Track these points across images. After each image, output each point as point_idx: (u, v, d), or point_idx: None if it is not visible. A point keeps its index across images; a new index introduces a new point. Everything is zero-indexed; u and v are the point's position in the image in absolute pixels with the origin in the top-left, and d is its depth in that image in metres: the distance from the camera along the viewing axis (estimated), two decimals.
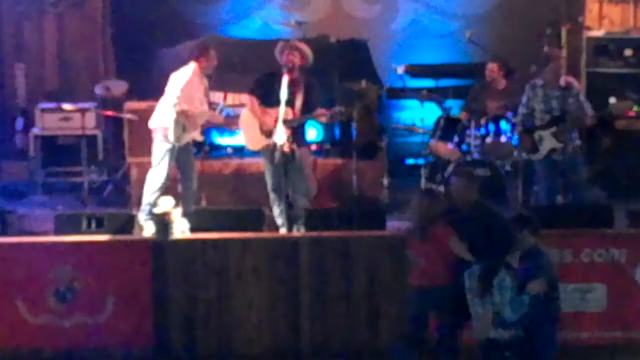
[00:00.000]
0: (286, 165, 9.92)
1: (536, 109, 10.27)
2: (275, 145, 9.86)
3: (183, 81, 10.21)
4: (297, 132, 10.02)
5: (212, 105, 10.76)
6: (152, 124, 10.39)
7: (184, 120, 10.18)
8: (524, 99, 10.36)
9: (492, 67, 11.24)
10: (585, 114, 10.15)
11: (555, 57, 11.15)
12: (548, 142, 10.16)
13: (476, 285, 7.06)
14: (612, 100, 10.49)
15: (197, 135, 10.48)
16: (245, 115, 10.34)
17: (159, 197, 10.05)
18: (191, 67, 10.33)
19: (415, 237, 7.98)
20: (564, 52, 12.47)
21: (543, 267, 7.30)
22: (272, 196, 10.14)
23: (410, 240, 8.05)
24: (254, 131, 10.18)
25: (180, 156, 10.40)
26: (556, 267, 7.82)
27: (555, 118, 10.16)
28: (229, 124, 11.02)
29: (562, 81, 10.21)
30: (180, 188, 10.45)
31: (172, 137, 10.19)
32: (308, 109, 10.05)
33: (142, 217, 10.08)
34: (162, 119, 10.27)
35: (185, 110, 10.16)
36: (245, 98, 10.51)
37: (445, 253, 7.79)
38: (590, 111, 10.19)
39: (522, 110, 10.37)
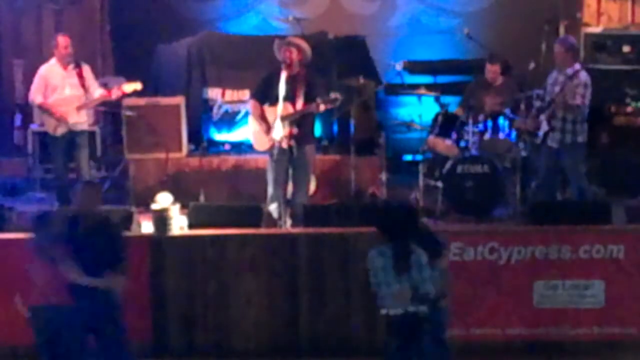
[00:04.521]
0: (287, 161, 9.92)
1: (547, 91, 10.29)
2: (274, 141, 9.88)
3: (38, 76, 10.79)
4: (302, 129, 9.99)
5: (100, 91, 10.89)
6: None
7: (49, 111, 10.68)
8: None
9: (495, 69, 11.15)
10: (567, 99, 9.99)
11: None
12: (544, 124, 10.19)
13: (391, 263, 7.13)
14: None
15: (78, 119, 10.81)
16: (250, 119, 10.36)
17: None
18: (51, 60, 10.85)
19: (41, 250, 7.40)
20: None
21: (443, 244, 7.59)
22: (270, 191, 10.13)
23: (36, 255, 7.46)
24: (259, 133, 10.18)
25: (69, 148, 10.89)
26: None
27: (550, 101, 10.17)
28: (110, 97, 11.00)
29: (570, 70, 10.17)
30: None
31: (49, 130, 10.74)
32: (309, 104, 10.02)
33: None
34: (37, 118, 11.06)
35: (43, 102, 10.69)
36: (247, 101, 10.48)
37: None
38: (576, 100, 9.98)
39: (542, 93, 10.46)
